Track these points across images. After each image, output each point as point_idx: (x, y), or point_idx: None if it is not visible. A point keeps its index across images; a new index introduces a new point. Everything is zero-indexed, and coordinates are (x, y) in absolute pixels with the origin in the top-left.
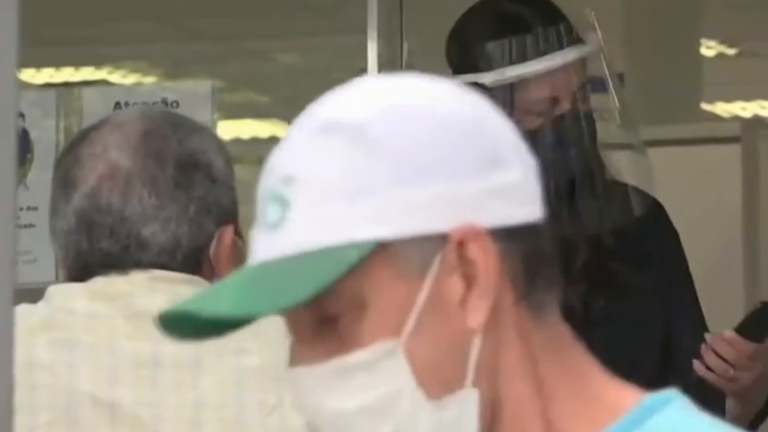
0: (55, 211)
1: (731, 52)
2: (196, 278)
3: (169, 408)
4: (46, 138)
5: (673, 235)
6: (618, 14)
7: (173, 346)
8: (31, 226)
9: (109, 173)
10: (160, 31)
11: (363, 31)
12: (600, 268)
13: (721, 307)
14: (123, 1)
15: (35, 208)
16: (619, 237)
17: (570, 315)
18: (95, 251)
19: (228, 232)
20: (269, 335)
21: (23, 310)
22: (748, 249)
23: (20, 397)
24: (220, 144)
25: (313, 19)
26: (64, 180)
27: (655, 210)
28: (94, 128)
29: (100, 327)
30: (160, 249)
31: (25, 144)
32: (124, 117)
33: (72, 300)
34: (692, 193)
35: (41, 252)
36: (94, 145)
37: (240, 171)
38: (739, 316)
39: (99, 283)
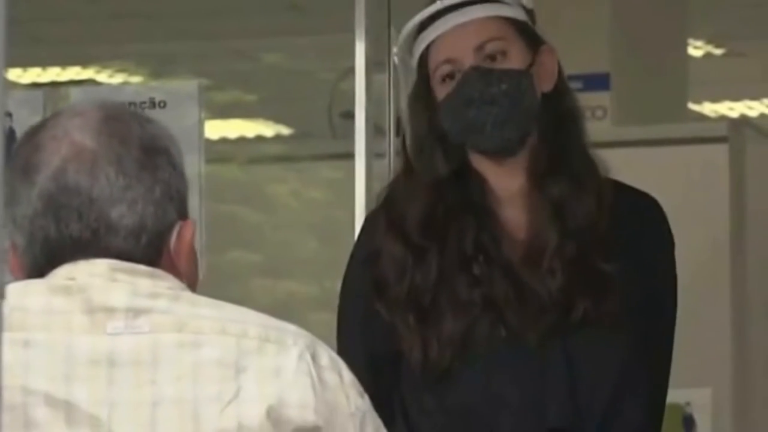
0: (14, 199)
1: (718, 52)
2: (158, 271)
3: (127, 406)
4: None
5: (667, 248)
6: (605, 14)
7: (131, 341)
8: None
9: (74, 154)
10: (147, 30)
11: (350, 30)
12: (586, 266)
13: (708, 307)
14: (109, 0)
15: None
16: (611, 240)
17: (552, 311)
18: (64, 238)
19: (189, 227)
20: (229, 329)
21: None
22: (735, 249)
23: None
24: (172, 135)
25: (301, 18)
26: (25, 166)
27: (654, 215)
28: (51, 117)
29: (57, 323)
30: (127, 232)
31: (12, 143)
32: (81, 106)
33: (28, 297)
34: (679, 193)
35: None
36: (55, 129)
37: (228, 170)
38: (725, 316)
39: (59, 275)
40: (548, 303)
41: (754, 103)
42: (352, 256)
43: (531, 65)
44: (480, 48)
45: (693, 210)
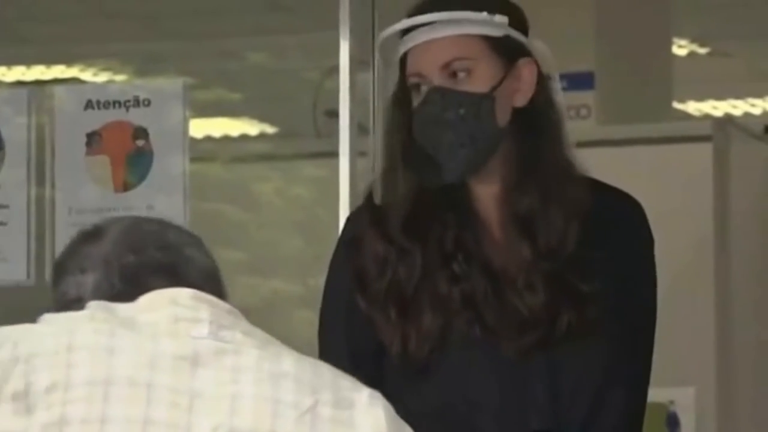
0: (76, 260)
1: (703, 51)
2: (236, 310)
3: (207, 397)
4: (18, 136)
5: (647, 249)
6: (589, 13)
7: (214, 345)
8: (1, 224)
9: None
10: (132, 29)
11: (335, 29)
12: (565, 282)
13: (692, 306)
14: None
15: (6, 206)
16: (590, 242)
17: (536, 326)
18: (144, 263)
19: None
20: (304, 359)
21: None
22: (719, 248)
23: (56, 376)
24: None
25: (285, 17)
26: (86, 236)
27: (634, 215)
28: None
29: (143, 329)
30: (198, 270)
31: None
32: None
33: (115, 309)
34: (663, 192)
35: (12, 250)
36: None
37: (212, 169)
38: (709, 315)
39: (143, 299)
40: (530, 319)
41: (739, 102)
42: (336, 249)
43: (501, 82)
44: (446, 66)
45: (677, 209)
